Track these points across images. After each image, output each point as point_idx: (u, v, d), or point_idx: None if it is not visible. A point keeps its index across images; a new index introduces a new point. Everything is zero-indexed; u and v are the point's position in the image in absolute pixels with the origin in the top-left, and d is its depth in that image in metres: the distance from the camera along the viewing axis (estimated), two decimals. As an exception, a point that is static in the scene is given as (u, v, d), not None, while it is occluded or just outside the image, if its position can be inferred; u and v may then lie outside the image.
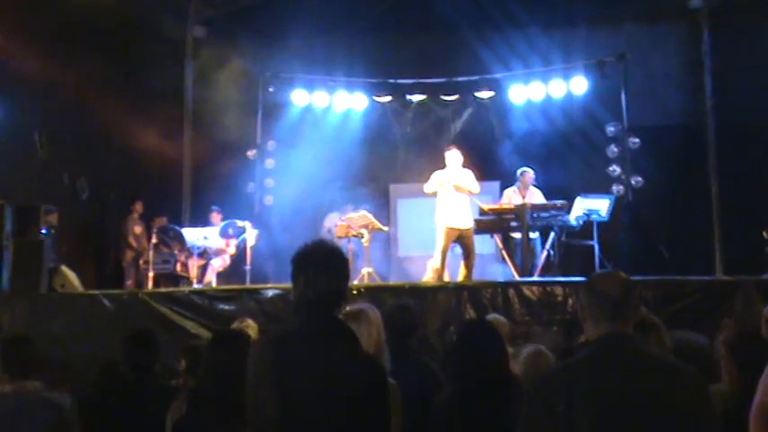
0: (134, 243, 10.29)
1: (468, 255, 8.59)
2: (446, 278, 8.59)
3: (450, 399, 3.22)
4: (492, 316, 5.44)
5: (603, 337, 2.37)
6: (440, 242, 8.56)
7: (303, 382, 2.37)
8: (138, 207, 10.45)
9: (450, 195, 8.54)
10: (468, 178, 8.68)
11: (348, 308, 3.24)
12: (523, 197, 9.41)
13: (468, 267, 8.56)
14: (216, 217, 10.40)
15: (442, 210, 8.59)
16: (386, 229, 9.55)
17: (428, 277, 8.89)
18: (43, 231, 8.28)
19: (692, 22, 11.31)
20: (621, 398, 2.26)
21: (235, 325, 5.46)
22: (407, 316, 4.06)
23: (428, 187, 8.67)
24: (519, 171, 9.69)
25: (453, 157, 8.66)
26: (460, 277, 8.49)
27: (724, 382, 3.60)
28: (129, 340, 4.16)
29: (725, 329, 4.44)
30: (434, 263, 8.60)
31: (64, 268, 8.50)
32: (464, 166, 8.74)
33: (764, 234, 8.51)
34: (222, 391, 2.86)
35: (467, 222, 8.60)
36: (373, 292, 7.10)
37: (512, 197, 9.49)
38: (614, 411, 2.25)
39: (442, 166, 8.75)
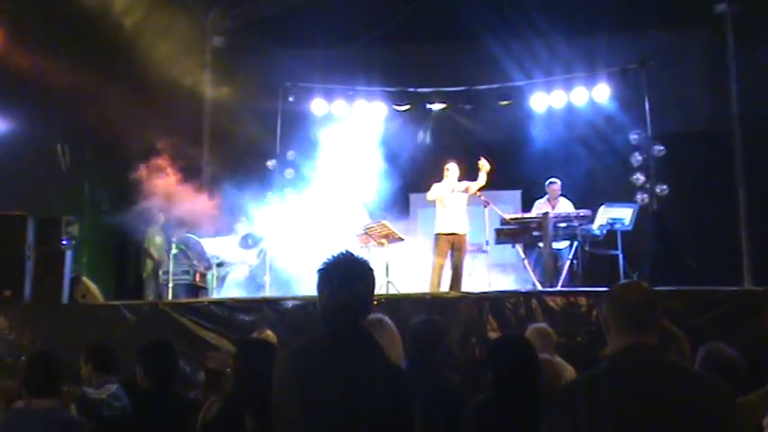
0: (155, 253, 10.39)
1: (456, 263, 8.79)
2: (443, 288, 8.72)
3: (479, 411, 3.24)
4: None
5: (627, 348, 2.38)
6: (433, 252, 8.85)
7: (329, 393, 2.39)
8: (161, 218, 10.55)
9: (446, 206, 8.90)
10: (467, 183, 9.00)
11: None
12: (552, 208, 9.52)
13: (456, 275, 8.75)
14: (242, 228, 10.49)
15: (438, 219, 9.00)
16: (405, 238, 9.59)
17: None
18: (64, 242, 8.40)
19: (716, 28, 11.25)
20: (645, 409, 2.26)
21: (255, 335, 5.52)
22: (434, 330, 4.10)
23: (430, 195, 9.06)
24: (547, 182, 9.80)
25: (452, 169, 9.04)
26: (447, 285, 8.69)
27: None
28: (145, 350, 4.16)
29: None
30: (432, 273, 8.77)
31: (85, 279, 8.63)
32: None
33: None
34: (253, 396, 2.91)
35: (460, 228, 8.87)
36: (393, 303, 7.13)
37: (542, 208, 9.59)
38: (638, 423, 2.25)
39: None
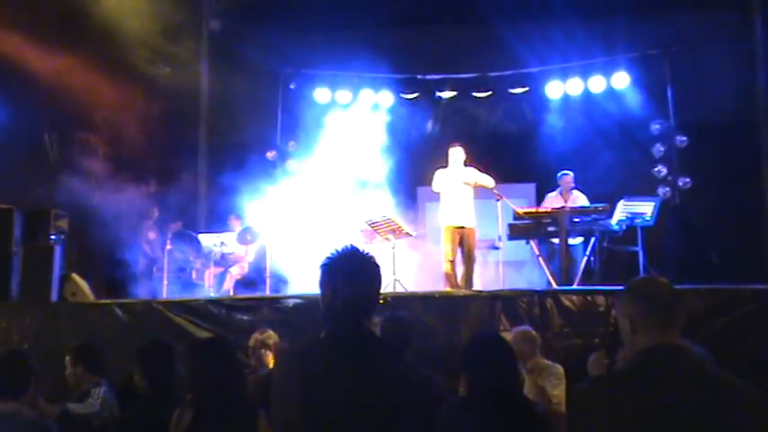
0: (148, 249, 10.38)
1: (467, 256, 8.79)
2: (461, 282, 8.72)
3: (456, 411, 3.23)
4: (521, 328, 5.47)
5: (656, 347, 2.32)
6: (444, 245, 8.84)
7: (332, 397, 2.37)
8: (154, 212, 10.55)
9: (453, 194, 8.88)
10: (476, 174, 8.97)
11: None
12: (565, 201, 9.47)
13: (468, 270, 8.75)
14: (235, 223, 10.48)
15: (443, 209, 8.94)
16: (414, 233, 9.56)
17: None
18: (53, 237, 8.38)
19: (743, 11, 11.19)
20: (678, 415, 2.20)
21: (255, 335, 5.53)
22: (401, 328, 4.13)
23: (435, 185, 9.04)
24: (559, 174, 9.75)
25: (457, 154, 8.97)
26: (460, 281, 8.69)
27: None
28: (145, 352, 4.16)
29: None
30: (445, 268, 8.79)
31: (75, 276, 8.62)
32: (486, 166, 9.07)
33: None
34: (212, 398, 2.91)
35: (468, 221, 8.85)
36: (401, 301, 7.11)
37: (553, 202, 9.54)
38: (669, 429, 2.21)
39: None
